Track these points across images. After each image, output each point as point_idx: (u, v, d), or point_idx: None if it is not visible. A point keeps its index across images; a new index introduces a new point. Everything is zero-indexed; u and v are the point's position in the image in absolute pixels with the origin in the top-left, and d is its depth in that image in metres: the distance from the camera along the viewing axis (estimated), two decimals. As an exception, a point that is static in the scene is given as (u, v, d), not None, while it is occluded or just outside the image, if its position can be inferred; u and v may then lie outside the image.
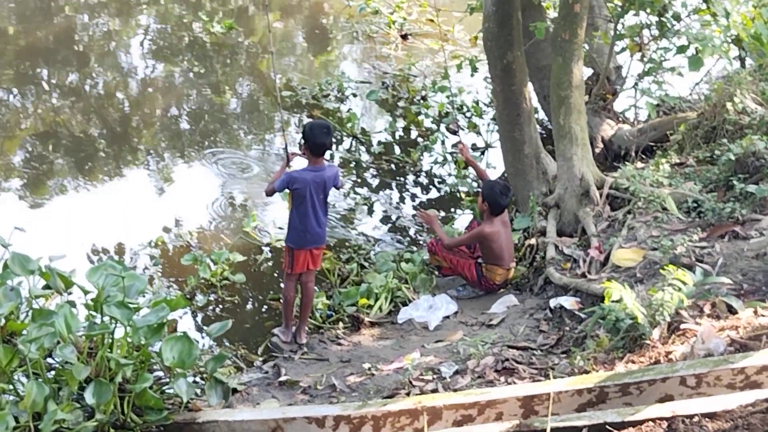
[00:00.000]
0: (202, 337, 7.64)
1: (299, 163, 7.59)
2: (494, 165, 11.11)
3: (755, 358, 4.91)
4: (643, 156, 10.09)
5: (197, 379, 6.92)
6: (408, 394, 6.23)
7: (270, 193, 7.43)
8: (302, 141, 7.26)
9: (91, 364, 6.03)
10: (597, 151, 10.30)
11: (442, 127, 12.11)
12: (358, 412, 5.46)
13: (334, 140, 11.20)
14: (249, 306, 8.39)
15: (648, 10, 9.81)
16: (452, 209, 10.30)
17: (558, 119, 8.55)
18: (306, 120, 12.26)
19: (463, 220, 9.90)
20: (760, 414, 4.51)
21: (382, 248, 9.37)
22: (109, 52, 14.61)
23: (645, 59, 10.14)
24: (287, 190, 7.30)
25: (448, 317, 8.04)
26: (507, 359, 6.58)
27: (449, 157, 11.33)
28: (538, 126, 9.88)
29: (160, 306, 6.38)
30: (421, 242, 9.51)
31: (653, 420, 4.83)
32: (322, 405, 6.28)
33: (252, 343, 7.72)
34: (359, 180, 10.87)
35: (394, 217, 10.09)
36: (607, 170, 9.60)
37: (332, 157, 11.22)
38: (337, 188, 7.52)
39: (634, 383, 4.98)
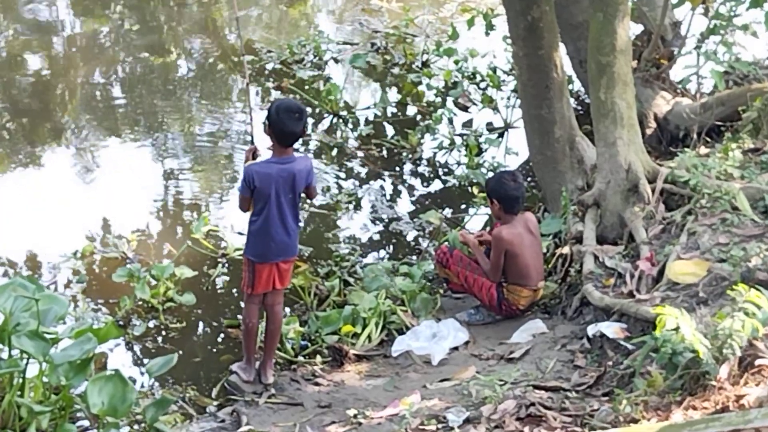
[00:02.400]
0: (141, 376, 7.64)
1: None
2: (516, 151, 11.15)
3: None
4: (708, 139, 10.12)
5: (133, 429, 6.91)
6: (405, 449, 6.25)
7: (244, 204, 7.36)
8: (266, 124, 7.25)
9: (-5, 412, 6.05)
10: (648, 132, 10.33)
11: (449, 101, 12.14)
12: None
13: (308, 123, 11.23)
14: (200, 335, 8.41)
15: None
16: (462, 206, 10.33)
17: (598, 93, 8.57)
18: (272, 94, 12.28)
19: (474, 223, 9.90)
20: None
21: (371, 260, 9.39)
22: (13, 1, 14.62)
23: (710, 14, 10.17)
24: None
25: (456, 349, 8.05)
26: (533, 403, 6.59)
27: (458, 141, 11.36)
28: (572, 101, 9.92)
29: (86, 336, 6.38)
30: (420, 251, 9.53)
31: (720, 484, 4.86)
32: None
33: (204, 383, 7.71)
34: (342, 170, 10.89)
35: (386, 218, 10.12)
36: (662, 158, 9.64)
37: (308, 142, 11.24)
38: (310, 196, 7.53)
39: (696, 436, 5.01)
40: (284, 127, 7.08)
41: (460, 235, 8.72)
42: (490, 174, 10.49)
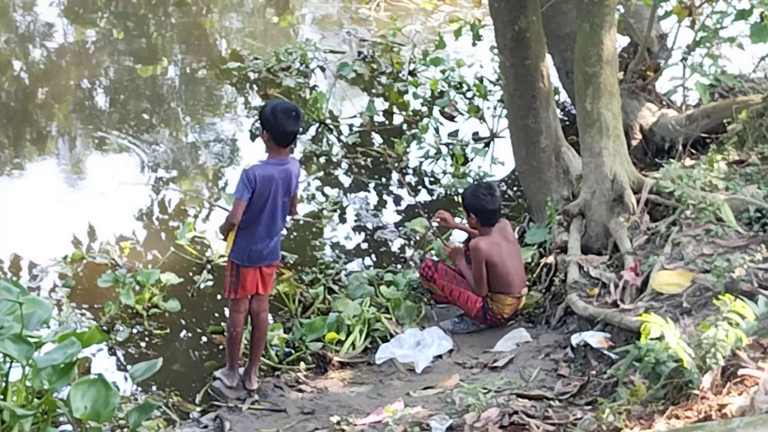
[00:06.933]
0: (124, 381, 7.63)
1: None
2: (502, 160, 11.18)
3: (832, 413, 4.95)
4: (693, 151, 10.15)
5: (116, 434, 6.92)
6: (388, 457, 6.25)
7: (240, 209, 7.17)
8: (260, 127, 7.23)
9: (-22, 416, 6.03)
10: (634, 143, 10.36)
11: (436, 110, 12.15)
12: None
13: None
14: (184, 341, 8.40)
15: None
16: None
17: (584, 103, 8.60)
18: (258, 101, 12.30)
19: (459, 233, 9.89)
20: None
21: (356, 267, 9.39)
22: (4, 7, 14.60)
23: (696, 26, 10.20)
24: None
25: (440, 357, 8.05)
26: (516, 412, 6.60)
27: (444, 150, 11.38)
28: (558, 111, 9.91)
29: (69, 340, 6.37)
30: (405, 259, 9.53)
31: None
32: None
33: (188, 389, 7.71)
34: (328, 178, 10.89)
35: (371, 227, 10.12)
36: (647, 169, 9.67)
37: (292, 149, 11.25)
38: (293, 206, 7.47)
39: (678, 445, 5.02)
40: (283, 127, 7.06)
41: (443, 248, 8.71)
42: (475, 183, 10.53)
